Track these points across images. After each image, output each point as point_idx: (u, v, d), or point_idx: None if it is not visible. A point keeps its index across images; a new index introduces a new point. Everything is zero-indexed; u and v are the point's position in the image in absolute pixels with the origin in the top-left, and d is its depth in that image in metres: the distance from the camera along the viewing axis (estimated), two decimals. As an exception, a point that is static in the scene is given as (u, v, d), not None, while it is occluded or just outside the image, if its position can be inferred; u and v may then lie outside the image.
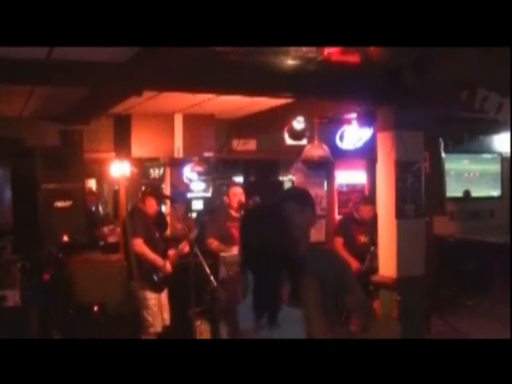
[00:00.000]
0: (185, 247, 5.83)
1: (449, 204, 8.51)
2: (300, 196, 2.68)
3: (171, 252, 5.95)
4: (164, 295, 5.87)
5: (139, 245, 5.61)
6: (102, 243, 7.46)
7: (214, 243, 5.74)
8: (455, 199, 9.15)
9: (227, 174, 11.98)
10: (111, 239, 7.66)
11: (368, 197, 7.38)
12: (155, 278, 5.67)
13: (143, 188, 7.32)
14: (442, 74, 4.76)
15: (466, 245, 8.45)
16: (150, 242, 5.69)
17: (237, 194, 5.93)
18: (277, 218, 2.50)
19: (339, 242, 6.62)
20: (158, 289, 5.71)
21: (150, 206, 5.83)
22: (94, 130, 6.93)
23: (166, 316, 5.87)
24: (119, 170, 7.42)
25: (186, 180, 8.49)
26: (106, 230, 7.84)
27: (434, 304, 6.86)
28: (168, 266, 5.73)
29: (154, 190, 6.30)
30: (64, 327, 5.67)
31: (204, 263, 5.17)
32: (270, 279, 2.40)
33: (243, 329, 2.43)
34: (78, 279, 6.45)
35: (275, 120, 6.68)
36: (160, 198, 6.00)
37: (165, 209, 8.34)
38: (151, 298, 5.66)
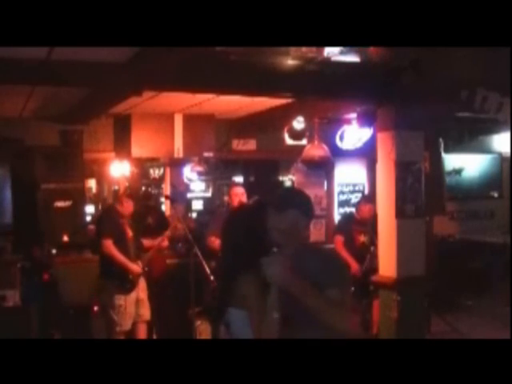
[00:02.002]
0: (163, 241, 5.84)
1: (449, 204, 8.52)
2: (277, 200, 2.61)
3: (147, 243, 5.97)
4: (142, 290, 5.86)
5: (108, 246, 5.62)
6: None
7: (215, 242, 5.74)
8: (455, 199, 9.15)
9: (227, 174, 12.00)
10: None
11: (368, 196, 7.37)
12: (123, 279, 5.67)
13: (143, 188, 7.32)
14: (441, 73, 4.75)
15: (465, 245, 8.45)
16: (120, 243, 5.68)
17: (238, 194, 5.96)
18: (245, 223, 2.52)
19: (339, 240, 6.60)
20: (125, 290, 5.70)
21: (127, 206, 5.83)
22: (93, 130, 6.92)
23: (145, 311, 5.86)
24: (119, 170, 7.43)
25: (185, 180, 8.50)
26: (91, 228, 7.84)
27: (434, 304, 6.86)
28: (137, 269, 5.73)
29: (133, 191, 6.29)
30: (64, 327, 5.67)
31: (204, 263, 5.18)
32: (223, 282, 2.46)
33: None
34: (78, 279, 6.45)
35: (275, 120, 6.68)
36: (137, 200, 5.99)
37: (165, 209, 8.34)
38: (118, 297, 5.66)
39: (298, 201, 2.59)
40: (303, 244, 2.57)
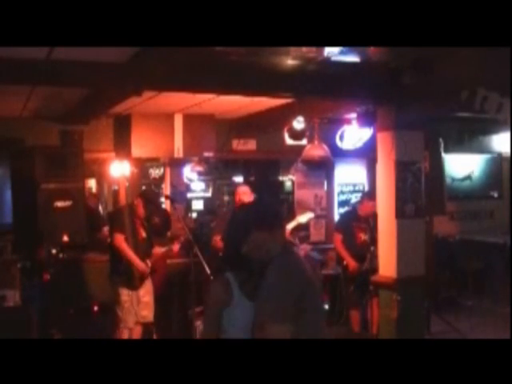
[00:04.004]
0: (174, 247, 5.83)
1: (449, 204, 8.50)
2: (236, 231, 2.56)
3: (157, 250, 5.96)
4: (146, 292, 5.83)
5: (119, 240, 5.62)
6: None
7: (219, 242, 5.75)
8: (455, 199, 9.14)
9: (227, 174, 12.01)
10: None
11: (371, 192, 7.36)
12: (130, 276, 5.64)
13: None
14: (441, 73, 4.75)
15: (465, 245, 8.45)
16: (132, 241, 5.66)
17: (239, 193, 6.02)
18: (233, 225, 2.57)
19: (338, 238, 6.60)
20: (132, 286, 5.68)
21: (137, 205, 5.81)
22: (94, 130, 6.92)
23: (148, 313, 5.81)
24: (119, 170, 7.42)
25: (185, 180, 8.50)
26: (106, 230, 7.84)
27: (434, 304, 6.85)
28: (144, 267, 5.71)
29: (146, 192, 6.22)
30: (64, 327, 5.67)
31: (204, 263, 5.18)
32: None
33: None
34: (78, 279, 6.45)
35: (275, 120, 6.68)
36: (149, 202, 5.96)
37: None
38: (124, 294, 5.64)
39: (257, 220, 2.51)
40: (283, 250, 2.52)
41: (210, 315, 2.57)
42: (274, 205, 2.69)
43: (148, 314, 5.84)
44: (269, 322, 2.35)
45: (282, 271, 2.45)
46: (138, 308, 5.76)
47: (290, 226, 6.19)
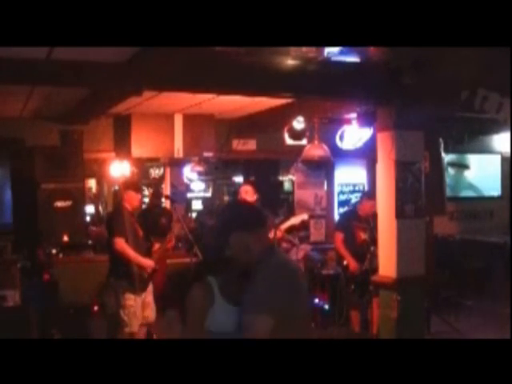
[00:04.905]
0: (169, 242, 5.81)
1: (449, 204, 8.52)
2: (216, 232, 2.55)
3: (156, 247, 5.93)
4: (149, 292, 5.78)
5: (120, 244, 5.47)
6: (90, 242, 7.39)
7: None
8: (455, 199, 9.15)
9: (227, 174, 12.02)
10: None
11: (371, 192, 7.36)
12: (133, 278, 5.55)
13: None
14: (441, 73, 4.75)
15: (465, 245, 8.46)
16: (132, 242, 5.57)
17: (242, 193, 6.04)
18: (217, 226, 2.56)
19: (339, 237, 6.60)
20: (137, 289, 5.59)
21: (132, 199, 5.68)
22: (93, 130, 6.93)
23: (150, 313, 5.76)
24: (119, 169, 7.43)
25: (186, 180, 8.51)
26: (93, 228, 7.83)
27: (434, 304, 6.85)
28: (151, 263, 5.65)
29: (131, 182, 6.12)
30: (64, 327, 5.67)
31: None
32: None
33: None
34: (78, 279, 6.45)
35: (275, 120, 6.69)
36: (138, 190, 5.86)
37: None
38: (129, 298, 5.54)
39: (234, 221, 2.46)
40: (267, 252, 2.46)
41: (191, 322, 2.51)
42: (254, 205, 2.67)
43: (150, 313, 5.80)
44: (255, 323, 2.33)
45: (271, 274, 2.38)
46: (142, 309, 5.73)
47: (283, 226, 6.19)
